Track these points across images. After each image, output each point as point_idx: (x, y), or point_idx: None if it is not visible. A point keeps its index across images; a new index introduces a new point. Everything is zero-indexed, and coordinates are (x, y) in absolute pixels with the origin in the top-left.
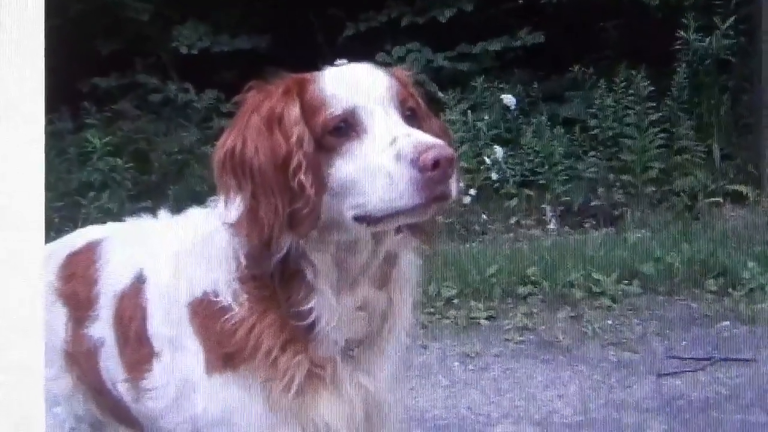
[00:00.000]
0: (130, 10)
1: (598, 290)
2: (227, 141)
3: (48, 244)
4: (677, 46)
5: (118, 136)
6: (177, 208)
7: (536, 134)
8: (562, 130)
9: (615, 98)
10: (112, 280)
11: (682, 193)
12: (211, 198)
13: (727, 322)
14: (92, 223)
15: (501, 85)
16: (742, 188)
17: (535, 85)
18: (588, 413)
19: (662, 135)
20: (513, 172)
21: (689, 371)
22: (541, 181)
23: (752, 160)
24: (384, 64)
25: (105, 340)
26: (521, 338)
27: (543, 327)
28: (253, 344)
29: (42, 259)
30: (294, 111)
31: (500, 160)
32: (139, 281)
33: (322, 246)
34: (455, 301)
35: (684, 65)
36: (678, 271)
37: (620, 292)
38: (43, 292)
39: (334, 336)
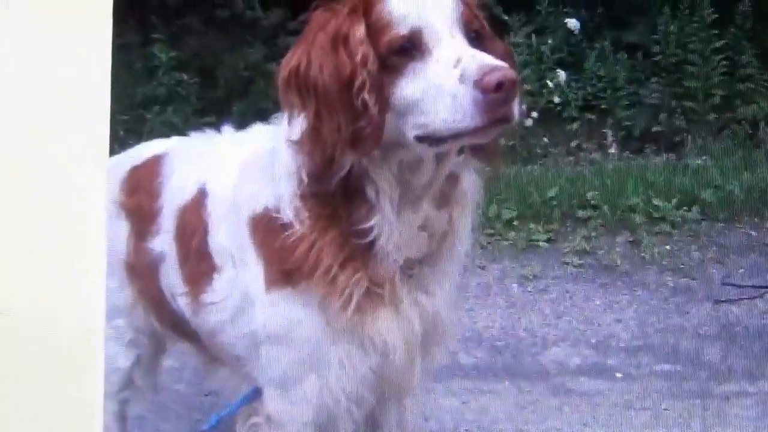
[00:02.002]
0: None
1: (657, 216)
2: (292, 59)
3: (112, 157)
4: None
5: (185, 51)
6: (241, 124)
7: (599, 59)
8: (626, 56)
9: (679, 24)
10: (174, 194)
11: (743, 121)
12: (275, 115)
13: None
14: (156, 136)
15: (565, 9)
16: None
17: (600, 10)
18: (645, 338)
19: (725, 62)
20: (575, 96)
21: (747, 299)
22: (603, 106)
23: None
24: None
25: (166, 254)
26: (580, 261)
27: (602, 251)
28: (313, 261)
29: (106, 171)
30: (359, 30)
31: (563, 83)
32: (202, 195)
33: (384, 165)
34: (515, 222)
35: None
36: (738, 199)
37: (680, 219)
38: (106, 204)
39: (394, 255)
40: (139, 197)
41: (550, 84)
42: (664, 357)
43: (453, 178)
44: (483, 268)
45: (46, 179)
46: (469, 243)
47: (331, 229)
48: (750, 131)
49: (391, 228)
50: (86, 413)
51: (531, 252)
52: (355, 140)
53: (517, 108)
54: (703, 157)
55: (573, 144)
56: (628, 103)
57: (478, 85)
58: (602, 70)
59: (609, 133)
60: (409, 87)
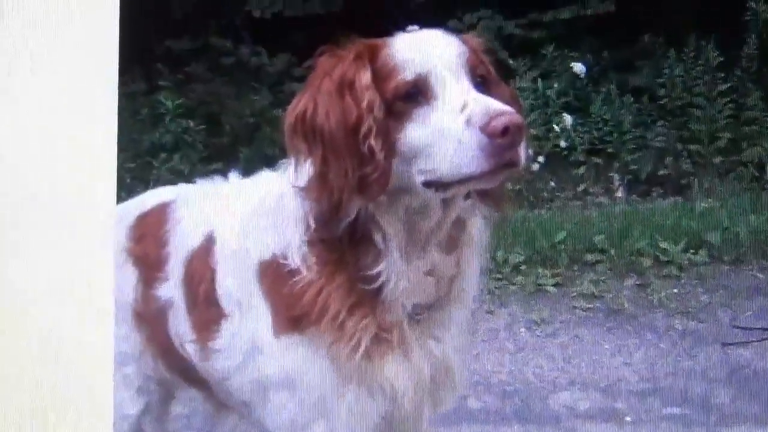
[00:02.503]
0: None
1: (665, 259)
2: (299, 105)
3: (119, 205)
4: (747, 17)
5: (191, 98)
6: (248, 171)
7: (605, 103)
8: (631, 99)
9: (684, 68)
10: (182, 241)
11: (749, 164)
12: (282, 161)
13: None
14: (163, 184)
15: (571, 54)
16: None
17: (605, 54)
18: (654, 381)
19: (731, 105)
20: (581, 140)
21: (755, 341)
22: (609, 150)
23: None
24: (455, 31)
25: (174, 301)
26: (588, 305)
27: (610, 295)
28: (321, 307)
29: (113, 219)
30: (365, 76)
31: (569, 127)
32: (209, 242)
33: (391, 210)
34: (523, 267)
35: (753, 36)
36: (745, 241)
37: (687, 261)
38: (114, 252)
39: (402, 300)
40: (147, 244)
41: (556, 128)
42: (673, 400)
43: (460, 223)
44: (491, 312)
45: (55, 226)
46: (476, 288)
47: (339, 274)
48: (756, 174)
49: (398, 273)
50: None
51: (539, 296)
52: (362, 186)
53: (523, 152)
54: (710, 200)
55: (580, 188)
56: (634, 146)
57: (485, 130)
58: (608, 113)
59: (616, 176)
60: (415, 132)
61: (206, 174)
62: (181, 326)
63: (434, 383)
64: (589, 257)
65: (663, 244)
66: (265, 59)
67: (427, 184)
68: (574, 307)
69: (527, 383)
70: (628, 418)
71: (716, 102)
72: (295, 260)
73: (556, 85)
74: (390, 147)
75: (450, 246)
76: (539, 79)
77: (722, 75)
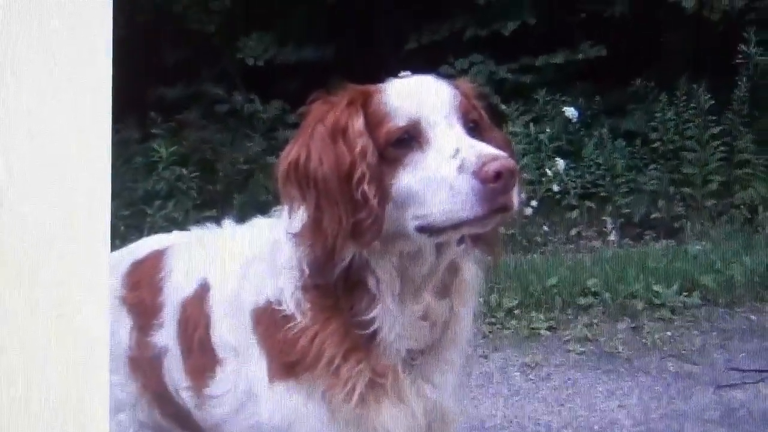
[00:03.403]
0: (196, 22)
1: (658, 302)
2: (292, 151)
3: (113, 252)
4: (738, 60)
5: (184, 145)
6: (242, 218)
7: (598, 147)
8: (624, 143)
9: (676, 111)
10: (176, 288)
11: (742, 206)
12: (276, 208)
13: None
14: (157, 231)
15: (563, 98)
16: None
17: (597, 98)
18: (648, 424)
19: (723, 148)
20: (574, 184)
21: (750, 383)
22: (602, 194)
23: None
24: (447, 76)
25: (169, 348)
26: (582, 349)
27: (603, 338)
28: (316, 353)
29: (107, 267)
30: (358, 122)
31: (562, 172)
32: (204, 289)
33: (384, 256)
34: (516, 311)
35: (745, 79)
36: (738, 283)
37: (680, 304)
38: (109, 299)
39: (396, 345)
40: (141, 292)
41: (549, 172)
42: None
43: (454, 268)
44: (485, 356)
45: (49, 274)
46: (471, 332)
47: (333, 320)
48: (749, 216)
49: (392, 319)
50: None
51: (533, 340)
52: (356, 232)
53: (516, 197)
54: (703, 243)
55: (573, 232)
56: (626, 190)
57: (477, 174)
58: (601, 157)
59: (608, 220)
60: (408, 178)
61: (200, 221)
62: (176, 373)
63: (429, 428)
64: (583, 301)
65: (656, 287)
66: (258, 106)
67: (421, 229)
68: (568, 351)
69: (522, 427)
70: None
71: (708, 145)
72: (289, 306)
73: (548, 130)
74: (383, 193)
75: (444, 290)
76: (531, 124)
77: (714, 118)
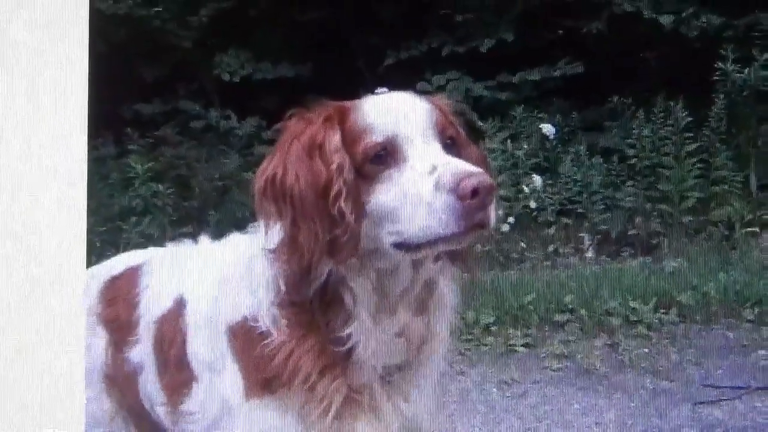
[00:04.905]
0: (172, 38)
1: (635, 318)
2: (268, 168)
3: (90, 268)
4: (715, 77)
5: (160, 162)
6: (218, 234)
7: (575, 163)
8: (601, 160)
9: (653, 128)
10: (152, 305)
11: (719, 223)
12: (252, 224)
13: (764, 351)
14: (133, 247)
15: (540, 115)
16: None
17: (574, 115)
18: None
19: (700, 165)
20: (551, 201)
21: (726, 399)
22: (579, 210)
23: None
24: (424, 93)
25: (145, 364)
26: (559, 365)
27: (580, 355)
28: (292, 369)
29: (84, 283)
30: (335, 139)
31: (539, 188)
32: (180, 306)
33: (361, 272)
34: (493, 328)
35: (722, 96)
36: (715, 300)
37: (657, 321)
38: (84, 315)
39: (373, 362)
40: (117, 308)
41: (525, 189)
42: None
43: (430, 285)
44: (462, 373)
45: (24, 290)
46: (447, 349)
47: (309, 337)
48: (726, 233)
49: (368, 335)
50: None
51: (509, 357)
52: (333, 248)
53: (493, 214)
54: (679, 260)
55: (550, 248)
56: (603, 206)
57: (454, 191)
58: (578, 174)
59: (585, 237)
60: (385, 195)
61: (176, 237)
62: (151, 389)
63: None
64: (559, 317)
65: (633, 304)
66: (234, 123)
67: (398, 246)
68: (545, 367)
69: None
70: None
71: (685, 162)
72: (265, 322)
73: (525, 146)
74: (360, 209)
75: (420, 307)
76: (508, 141)
77: (691, 135)
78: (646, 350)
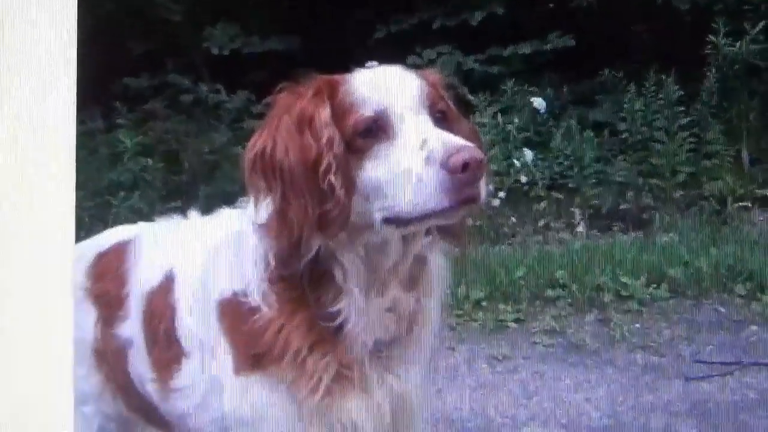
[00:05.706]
0: (161, 11)
1: (626, 294)
2: (258, 142)
3: (78, 244)
4: (707, 51)
5: (149, 136)
6: (207, 209)
7: (566, 138)
8: (592, 134)
9: (644, 102)
10: (141, 280)
11: (710, 198)
12: (242, 198)
13: (756, 327)
14: (122, 222)
15: (531, 89)
16: None
17: (565, 89)
18: (616, 416)
19: (691, 139)
20: (542, 176)
21: (717, 375)
22: (570, 185)
23: None
24: (414, 67)
25: (134, 340)
26: (549, 341)
27: (571, 330)
28: (282, 345)
29: (72, 258)
30: (324, 112)
31: (530, 163)
32: (169, 281)
33: (351, 247)
34: (483, 303)
35: (714, 70)
36: (706, 276)
37: (648, 296)
38: (73, 291)
39: (363, 337)
40: (106, 283)
41: (516, 163)
42: None
43: (420, 260)
44: (452, 349)
45: (12, 266)
46: (437, 324)
47: (299, 312)
48: (717, 207)
49: (358, 311)
50: None
51: (500, 332)
52: (322, 223)
53: (483, 188)
54: (671, 235)
55: (541, 223)
56: (595, 181)
57: (444, 166)
58: (569, 148)
59: (577, 211)
60: (375, 169)
61: (165, 212)
62: (141, 365)
63: (395, 420)
64: (550, 293)
65: (624, 279)
66: (223, 96)
67: (387, 221)
68: (535, 343)
69: (488, 420)
70: None
71: (677, 136)
72: (255, 298)
73: (516, 120)
74: (350, 184)
75: (410, 283)
76: (499, 115)
77: (682, 109)
78: (638, 325)
